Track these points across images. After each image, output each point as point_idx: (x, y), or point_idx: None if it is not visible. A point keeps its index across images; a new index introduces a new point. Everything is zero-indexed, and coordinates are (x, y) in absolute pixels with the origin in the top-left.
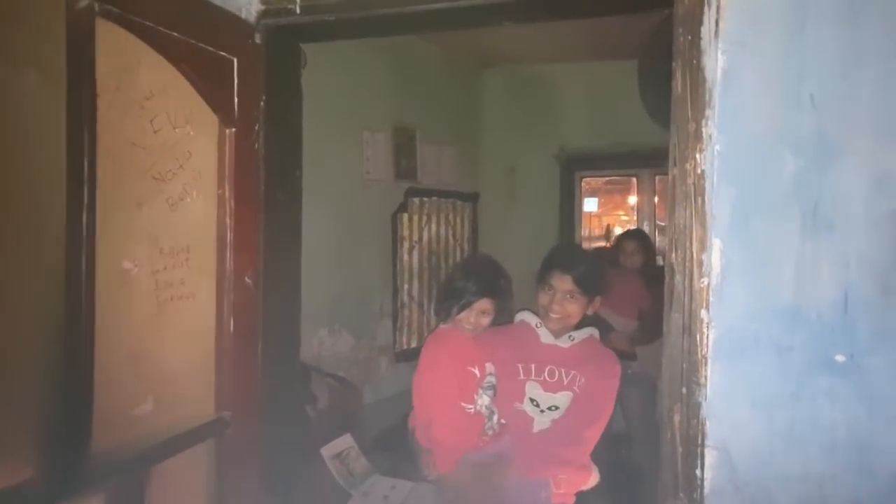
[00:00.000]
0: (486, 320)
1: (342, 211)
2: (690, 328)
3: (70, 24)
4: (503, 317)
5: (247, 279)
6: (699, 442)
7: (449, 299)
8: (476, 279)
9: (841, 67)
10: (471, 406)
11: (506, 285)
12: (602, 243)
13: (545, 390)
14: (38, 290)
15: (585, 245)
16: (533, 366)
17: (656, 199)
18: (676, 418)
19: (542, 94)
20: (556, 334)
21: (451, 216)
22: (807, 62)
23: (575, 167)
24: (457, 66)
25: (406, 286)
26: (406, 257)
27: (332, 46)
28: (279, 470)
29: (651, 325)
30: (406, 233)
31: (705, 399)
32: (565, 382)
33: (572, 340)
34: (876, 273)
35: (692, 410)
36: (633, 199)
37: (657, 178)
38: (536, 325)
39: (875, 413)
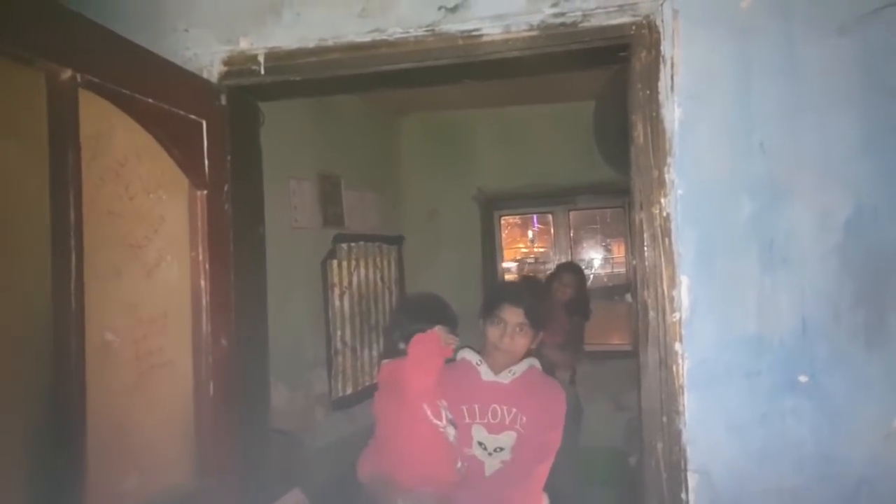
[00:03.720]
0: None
1: (272, 260)
2: (666, 361)
3: (52, 95)
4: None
5: (223, 341)
6: (682, 467)
7: (402, 330)
8: (427, 310)
9: (785, 117)
10: (441, 424)
11: (453, 316)
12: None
13: (489, 432)
14: (27, 366)
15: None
16: (476, 407)
17: (572, 233)
18: (659, 446)
19: (457, 138)
20: (497, 370)
21: (378, 260)
22: (755, 112)
23: (493, 206)
24: (374, 114)
25: (339, 332)
26: (337, 303)
27: None
28: None
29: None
30: (336, 279)
31: (685, 426)
32: (507, 422)
33: (513, 375)
34: (828, 301)
35: (673, 438)
36: (530, 234)
37: (570, 213)
38: (477, 363)
39: (837, 426)
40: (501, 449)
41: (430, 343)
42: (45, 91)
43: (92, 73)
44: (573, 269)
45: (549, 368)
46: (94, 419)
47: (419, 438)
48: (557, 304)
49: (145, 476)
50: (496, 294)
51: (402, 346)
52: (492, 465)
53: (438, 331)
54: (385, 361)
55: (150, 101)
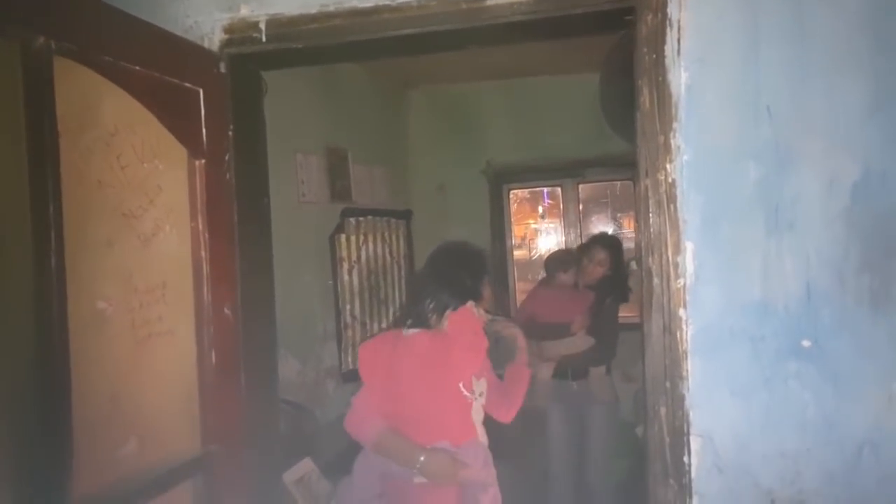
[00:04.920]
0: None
1: (280, 234)
2: (670, 326)
3: (26, 64)
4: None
5: (226, 310)
6: (685, 431)
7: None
8: (458, 278)
9: (792, 81)
10: (472, 396)
11: (484, 267)
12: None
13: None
14: (9, 338)
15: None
16: None
17: (581, 206)
18: (662, 411)
19: (465, 111)
20: None
21: (386, 234)
22: (762, 77)
23: (502, 180)
24: (382, 88)
25: (348, 306)
26: (346, 278)
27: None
28: (269, 499)
29: (607, 345)
30: (345, 253)
31: (688, 391)
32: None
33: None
34: (833, 265)
35: (677, 402)
36: (540, 209)
37: (580, 186)
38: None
39: (840, 390)
40: (482, 393)
41: (473, 322)
42: (20, 60)
43: (67, 39)
44: (608, 244)
45: (586, 361)
46: (86, 385)
47: (444, 403)
48: (585, 284)
49: (146, 442)
50: None
51: (433, 317)
52: (477, 407)
53: (471, 307)
54: (413, 331)
55: (138, 69)
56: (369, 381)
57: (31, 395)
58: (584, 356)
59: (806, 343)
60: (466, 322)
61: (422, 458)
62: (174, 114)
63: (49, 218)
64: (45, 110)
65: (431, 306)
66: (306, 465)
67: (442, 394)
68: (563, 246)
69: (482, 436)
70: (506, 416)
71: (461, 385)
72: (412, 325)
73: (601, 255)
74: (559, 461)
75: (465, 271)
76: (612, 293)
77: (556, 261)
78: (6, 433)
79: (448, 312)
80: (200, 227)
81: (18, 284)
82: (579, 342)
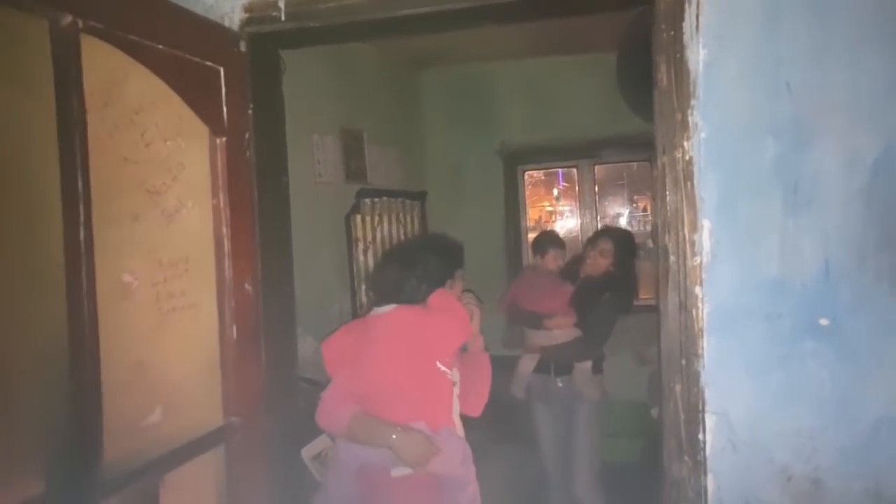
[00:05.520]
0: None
1: (296, 214)
2: (686, 304)
3: (55, 41)
4: None
5: (246, 286)
6: (700, 408)
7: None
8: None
9: (813, 56)
10: (449, 371)
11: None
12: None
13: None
14: (40, 308)
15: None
16: None
17: (596, 188)
18: (678, 388)
19: (480, 92)
20: None
21: (401, 215)
22: (782, 52)
23: (517, 161)
24: (396, 68)
25: (363, 287)
26: (362, 258)
27: None
28: (287, 471)
29: (593, 341)
30: (360, 234)
31: (703, 368)
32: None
33: None
34: (852, 243)
35: (692, 380)
36: (555, 191)
37: (595, 167)
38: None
39: (857, 368)
40: (456, 383)
41: (454, 301)
42: (48, 38)
43: (94, 18)
44: (616, 237)
45: (568, 354)
46: (113, 355)
47: (422, 379)
48: (586, 275)
49: (170, 413)
50: None
51: (423, 287)
52: (454, 398)
53: (459, 280)
54: (389, 307)
55: (161, 48)
56: (336, 375)
57: (63, 361)
58: (566, 349)
59: (823, 321)
60: (447, 300)
61: (394, 436)
62: (197, 92)
63: (78, 191)
64: (74, 87)
65: (420, 272)
66: (324, 442)
67: (420, 370)
68: (578, 229)
69: (460, 429)
70: (472, 409)
71: (439, 363)
72: (387, 300)
73: (607, 246)
74: (548, 462)
75: (444, 259)
76: (612, 290)
77: (539, 243)
78: (40, 400)
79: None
80: (222, 203)
81: (48, 256)
82: (560, 333)
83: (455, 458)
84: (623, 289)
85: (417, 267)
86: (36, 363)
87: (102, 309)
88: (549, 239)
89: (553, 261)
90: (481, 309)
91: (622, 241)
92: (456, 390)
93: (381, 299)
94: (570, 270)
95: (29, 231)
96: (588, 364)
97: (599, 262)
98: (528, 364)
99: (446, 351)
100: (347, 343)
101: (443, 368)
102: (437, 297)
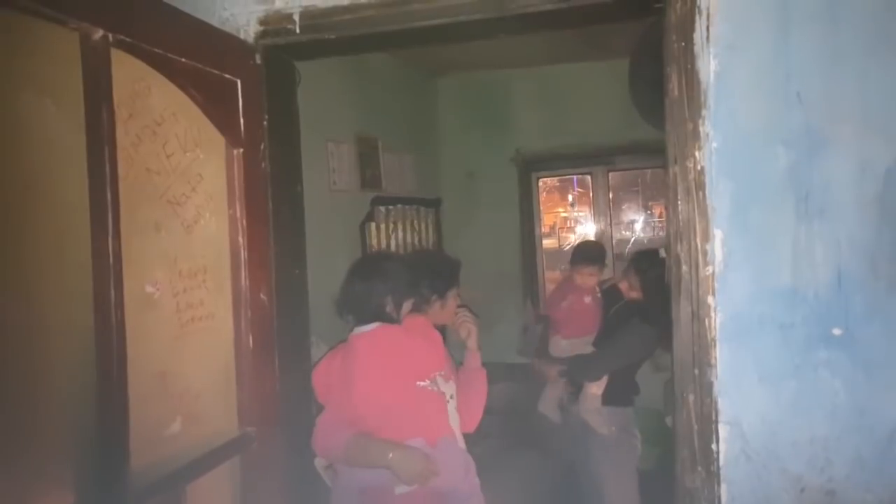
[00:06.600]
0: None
1: (310, 222)
2: (699, 314)
3: (85, 55)
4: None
5: (262, 295)
6: (713, 418)
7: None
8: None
9: (824, 65)
10: (427, 384)
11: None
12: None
13: (447, 381)
14: (68, 316)
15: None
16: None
17: (611, 194)
18: (691, 398)
19: (494, 99)
20: None
21: (415, 222)
22: (792, 62)
23: (531, 168)
24: (411, 76)
25: None
26: None
27: None
28: (301, 481)
29: (602, 360)
30: (375, 241)
31: (716, 378)
32: (450, 372)
33: None
34: (865, 252)
35: (705, 390)
36: (570, 197)
37: (610, 174)
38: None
39: (871, 378)
40: (453, 396)
41: (424, 323)
42: (79, 51)
43: (123, 32)
44: (641, 267)
45: (573, 370)
46: (137, 365)
47: (412, 396)
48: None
49: (190, 424)
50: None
51: (434, 297)
52: (451, 410)
53: (452, 299)
54: (370, 326)
55: (184, 60)
56: (328, 401)
57: (91, 371)
58: (571, 364)
59: (836, 331)
60: (417, 322)
61: (390, 455)
62: (215, 104)
63: (107, 202)
64: (104, 99)
65: (427, 287)
66: None
67: (404, 388)
68: (592, 236)
69: (461, 441)
70: (465, 425)
71: (419, 382)
72: (361, 319)
73: (633, 280)
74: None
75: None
76: (641, 317)
77: (574, 255)
78: (69, 410)
79: (406, 306)
80: (238, 214)
81: (76, 266)
82: (567, 344)
83: (456, 470)
84: (650, 319)
85: (375, 278)
86: (64, 374)
87: (128, 319)
88: (583, 252)
89: (584, 278)
90: (478, 325)
91: (647, 272)
92: (454, 402)
93: (356, 320)
94: (612, 291)
95: (58, 241)
96: (597, 389)
97: (631, 294)
98: (555, 389)
99: (423, 373)
100: (334, 368)
101: (423, 384)
102: (411, 321)
